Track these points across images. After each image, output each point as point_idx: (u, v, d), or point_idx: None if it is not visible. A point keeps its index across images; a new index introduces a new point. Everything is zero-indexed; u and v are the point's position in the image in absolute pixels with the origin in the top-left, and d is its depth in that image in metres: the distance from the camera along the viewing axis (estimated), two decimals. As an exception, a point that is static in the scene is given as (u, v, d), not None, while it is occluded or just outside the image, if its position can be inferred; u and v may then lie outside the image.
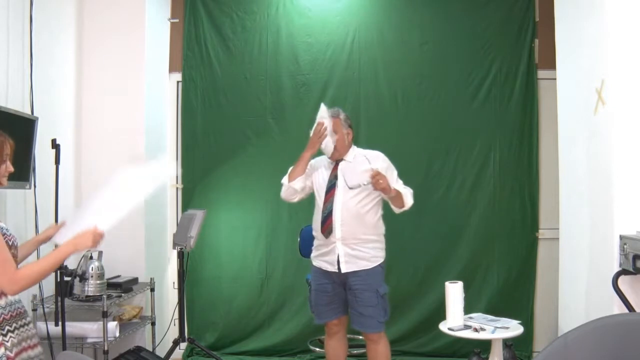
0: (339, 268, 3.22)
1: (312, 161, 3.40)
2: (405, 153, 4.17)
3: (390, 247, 3.40)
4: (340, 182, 3.27)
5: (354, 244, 3.21)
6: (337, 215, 3.21)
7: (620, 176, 2.76)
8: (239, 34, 4.52)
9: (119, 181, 2.31)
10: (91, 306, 3.42)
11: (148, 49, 4.16)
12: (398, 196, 3.24)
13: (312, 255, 3.42)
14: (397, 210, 3.34)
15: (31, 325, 2.20)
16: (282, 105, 4.50)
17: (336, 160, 3.34)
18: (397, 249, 3.79)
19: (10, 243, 2.11)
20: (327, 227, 3.23)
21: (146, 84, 4.15)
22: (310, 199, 3.43)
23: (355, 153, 3.39)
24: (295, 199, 3.39)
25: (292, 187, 3.33)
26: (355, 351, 4.07)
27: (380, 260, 3.29)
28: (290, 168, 3.37)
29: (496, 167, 4.38)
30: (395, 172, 3.33)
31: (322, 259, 3.31)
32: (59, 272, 3.23)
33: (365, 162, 3.29)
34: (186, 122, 4.56)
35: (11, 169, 2.20)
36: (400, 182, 3.34)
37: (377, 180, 3.07)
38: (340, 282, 3.27)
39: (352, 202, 3.22)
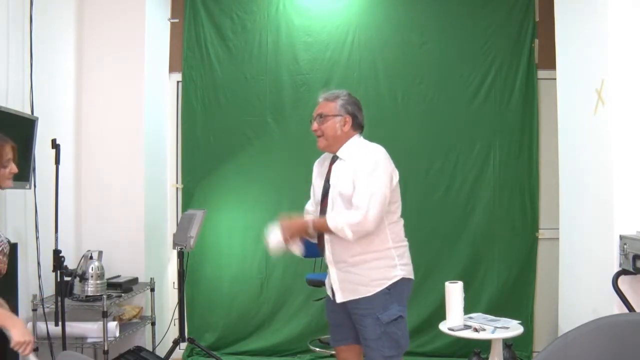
0: (333, 296, 2.64)
1: (317, 162, 2.83)
2: (405, 153, 4.16)
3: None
4: (333, 189, 2.59)
5: (346, 265, 2.56)
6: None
7: (620, 176, 2.76)
8: (239, 34, 4.52)
9: None
10: (91, 306, 3.41)
11: (148, 49, 4.15)
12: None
13: None
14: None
15: None
16: (282, 105, 4.50)
17: (333, 155, 2.67)
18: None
19: None
20: (320, 245, 2.65)
21: (146, 84, 4.14)
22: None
23: (353, 150, 2.62)
24: None
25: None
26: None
27: (387, 282, 2.53)
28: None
29: (496, 167, 4.38)
30: (370, 173, 2.48)
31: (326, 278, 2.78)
32: (59, 272, 3.23)
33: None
34: (186, 122, 4.56)
35: (15, 170, 2.20)
36: (369, 188, 2.45)
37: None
38: (342, 304, 2.63)
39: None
